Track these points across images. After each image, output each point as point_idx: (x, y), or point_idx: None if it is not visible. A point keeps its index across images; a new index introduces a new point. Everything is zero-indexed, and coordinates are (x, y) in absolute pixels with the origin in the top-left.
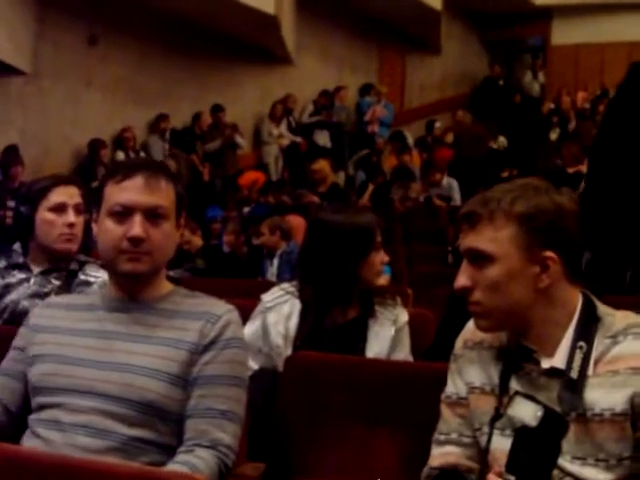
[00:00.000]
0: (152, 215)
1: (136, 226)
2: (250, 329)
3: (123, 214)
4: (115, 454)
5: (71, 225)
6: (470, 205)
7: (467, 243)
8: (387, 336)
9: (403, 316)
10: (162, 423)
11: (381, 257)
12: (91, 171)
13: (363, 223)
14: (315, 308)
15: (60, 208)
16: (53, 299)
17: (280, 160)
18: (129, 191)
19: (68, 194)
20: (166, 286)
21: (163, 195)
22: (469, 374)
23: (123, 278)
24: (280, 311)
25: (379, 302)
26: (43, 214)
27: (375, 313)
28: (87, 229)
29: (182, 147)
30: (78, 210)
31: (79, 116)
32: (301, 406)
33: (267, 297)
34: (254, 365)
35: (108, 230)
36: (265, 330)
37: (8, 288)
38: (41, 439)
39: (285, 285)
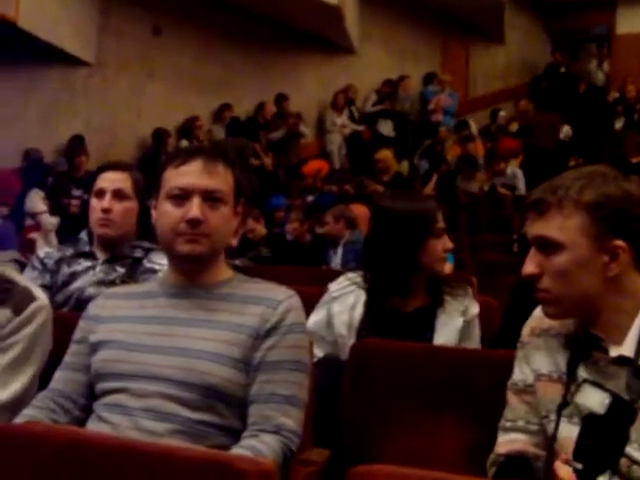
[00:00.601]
0: (210, 198)
1: (194, 208)
2: (315, 318)
3: (181, 197)
4: (180, 437)
5: (106, 210)
6: (538, 192)
7: (535, 230)
8: (455, 327)
9: (473, 308)
10: (225, 407)
11: (443, 244)
12: (156, 160)
13: (421, 209)
14: (379, 297)
15: (100, 193)
16: (113, 289)
17: (343, 149)
18: (188, 175)
19: (110, 180)
20: (226, 272)
21: (221, 179)
22: (536, 361)
23: (182, 262)
24: (345, 301)
25: (449, 292)
26: (90, 200)
27: (444, 303)
28: (146, 216)
29: (245, 136)
30: (119, 196)
31: (143, 106)
32: (366, 393)
33: (333, 287)
34: (319, 353)
35: (167, 213)
36: (330, 320)
37: (74, 276)
38: (107, 423)
39: (352, 275)
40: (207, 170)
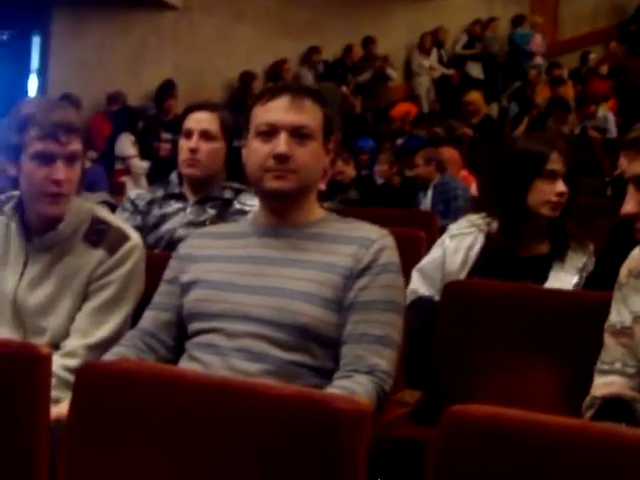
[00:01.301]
0: (297, 134)
1: (281, 144)
2: (431, 255)
3: (269, 133)
4: (272, 378)
5: (192, 150)
6: (638, 131)
7: (635, 169)
8: (569, 283)
9: (591, 267)
10: (318, 347)
11: (554, 187)
12: (243, 103)
13: (528, 149)
14: (497, 240)
15: (188, 134)
16: (204, 229)
17: (432, 92)
18: (275, 111)
19: (197, 120)
20: (318, 211)
21: (309, 115)
22: (634, 303)
23: (271, 199)
24: (462, 241)
25: (572, 245)
26: (180, 141)
27: (563, 256)
28: (235, 157)
29: (333, 79)
30: (206, 136)
31: (230, 49)
32: (459, 334)
33: (454, 227)
34: (425, 291)
35: (255, 150)
36: (444, 257)
37: (165, 218)
38: (199, 362)
39: (473, 217)
40: (294, 106)
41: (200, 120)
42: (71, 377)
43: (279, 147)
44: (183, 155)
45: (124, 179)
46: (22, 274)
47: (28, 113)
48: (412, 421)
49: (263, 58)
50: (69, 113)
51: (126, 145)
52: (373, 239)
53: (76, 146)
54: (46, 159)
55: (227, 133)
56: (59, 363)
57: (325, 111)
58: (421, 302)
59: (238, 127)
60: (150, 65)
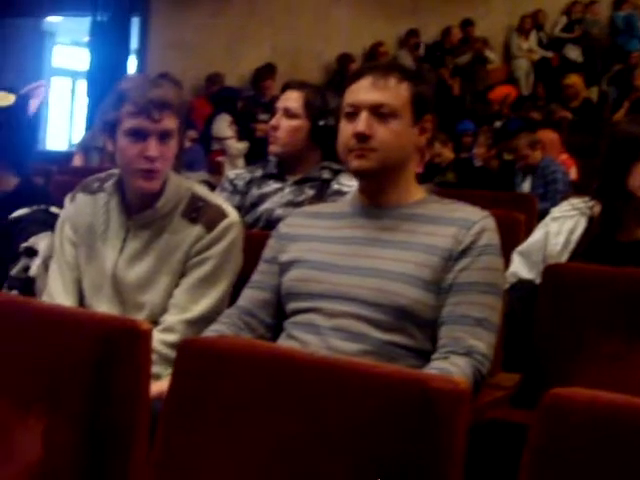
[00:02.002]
0: (377, 113)
1: (360, 122)
2: (532, 238)
3: (353, 114)
4: (370, 358)
5: (272, 127)
6: None
7: None
8: None
9: None
10: (416, 328)
11: None
12: (340, 85)
13: (630, 132)
14: (598, 225)
15: (275, 112)
16: (303, 209)
17: (531, 75)
18: (357, 91)
19: (283, 98)
20: (417, 192)
21: (391, 93)
22: None
23: (361, 180)
24: (564, 224)
25: None
26: None
27: None
28: (324, 135)
29: (431, 62)
30: (287, 114)
31: (328, 31)
32: (560, 318)
33: (556, 209)
34: (525, 274)
35: (342, 131)
36: (545, 240)
37: (263, 197)
38: (298, 341)
39: (575, 200)
40: (376, 85)
41: (285, 98)
42: (170, 352)
43: (358, 126)
44: (270, 134)
45: (221, 159)
46: (122, 250)
47: (124, 89)
48: (509, 405)
49: (361, 40)
50: (164, 90)
51: (222, 126)
52: (474, 220)
53: (170, 123)
54: (139, 135)
55: (311, 112)
56: (158, 338)
57: (415, 89)
58: (521, 285)
59: (326, 106)
60: (248, 46)
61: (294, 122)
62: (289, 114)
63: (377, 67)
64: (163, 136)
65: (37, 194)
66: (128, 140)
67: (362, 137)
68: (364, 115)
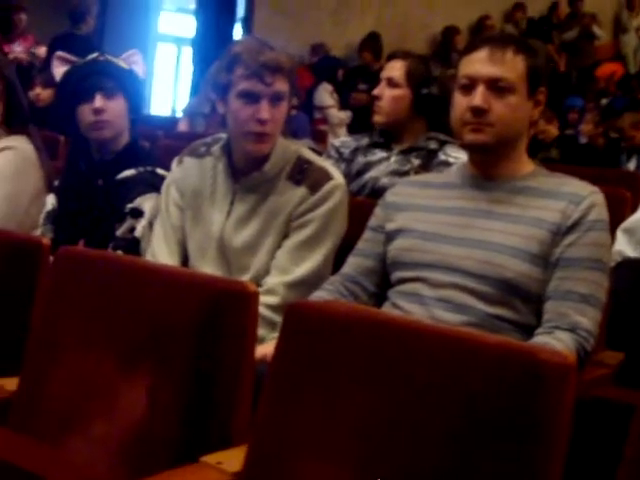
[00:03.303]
0: (495, 87)
1: (477, 96)
2: (636, 215)
3: (468, 87)
4: (474, 330)
5: (375, 97)
6: None
7: None
8: None
9: None
10: (521, 302)
11: None
12: (445, 57)
13: None
14: None
15: (379, 82)
16: (410, 178)
17: (639, 52)
18: (473, 63)
19: (388, 68)
20: (527, 165)
21: (508, 67)
22: None
23: (473, 153)
24: None
25: None
26: None
27: None
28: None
29: (539, 36)
30: (390, 83)
31: (434, 3)
32: None
33: None
34: (630, 252)
35: (456, 103)
36: None
37: (369, 165)
38: (401, 310)
39: None
40: (492, 58)
41: (388, 68)
42: (272, 315)
43: (475, 100)
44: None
45: (323, 128)
46: (229, 213)
47: (236, 52)
48: (613, 383)
49: (467, 13)
50: (277, 54)
51: (324, 95)
52: (583, 195)
53: (282, 86)
54: (251, 98)
55: (413, 81)
56: (260, 301)
57: (530, 62)
58: (627, 264)
59: (429, 76)
60: (354, 17)
61: (396, 91)
62: (392, 83)
63: (493, 39)
64: (275, 99)
65: (144, 156)
66: (240, 102)
67: (479, 111)
68: (481, 89)
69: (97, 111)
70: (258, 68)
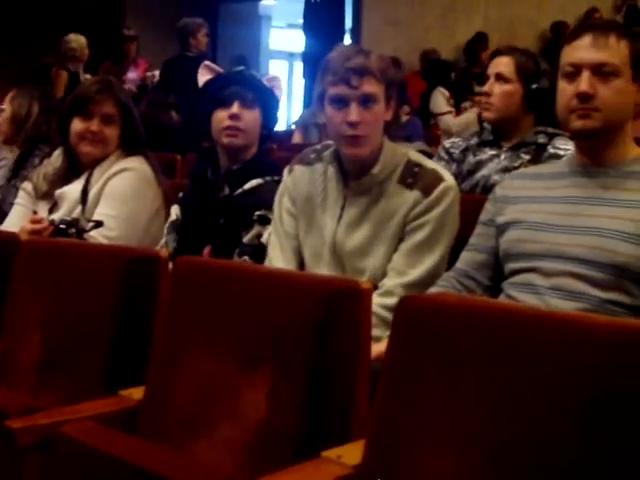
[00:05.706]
0: (600, 72)
1: (583, 82)
2: None
3: (573, 74)
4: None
5: (485, 94)
6: None
7: None
8: None
9: None
10: (634, 286)
11: None
12: (555, 53)
13: None
14: None
15: (486, 79)
16: (520, 171)
17: None
18: (577, 50)
19: (495, 64)
20: (634, 150)
21: (612, 52)
22: None
23: (580, 140)
24: None
25: None
26: None
27: None
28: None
29: None
30: (500, 78)
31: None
32: None
33: None
34: None
35: (561, 91)
36: None
37: (480, 164)
38: (516, 302)
39: None
40: (596, 44)
41: (496, 64)
42: (389, 315)
43: (581, 86)
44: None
45: (440, 132)
46: (340, 218)
47: (327, 60)
48: None
49: (575, 8)
50: (364, 57)
51: (440, 101)
52: None
53: (370, 88)
54: (341, 102)
55: (523, 75)
56: (377, 302)
57: (634, 46)
58: None
59: (538, 69)
60: (461, 19)
61: (507, 86)
62: (501, 79)
63: (596, 25)
64: (364, 101)
65: (270, 167)
66: (332, 108)
67: (585, 97)
68: (586, 75)
69: (233, 116)
70: (344, 73)
